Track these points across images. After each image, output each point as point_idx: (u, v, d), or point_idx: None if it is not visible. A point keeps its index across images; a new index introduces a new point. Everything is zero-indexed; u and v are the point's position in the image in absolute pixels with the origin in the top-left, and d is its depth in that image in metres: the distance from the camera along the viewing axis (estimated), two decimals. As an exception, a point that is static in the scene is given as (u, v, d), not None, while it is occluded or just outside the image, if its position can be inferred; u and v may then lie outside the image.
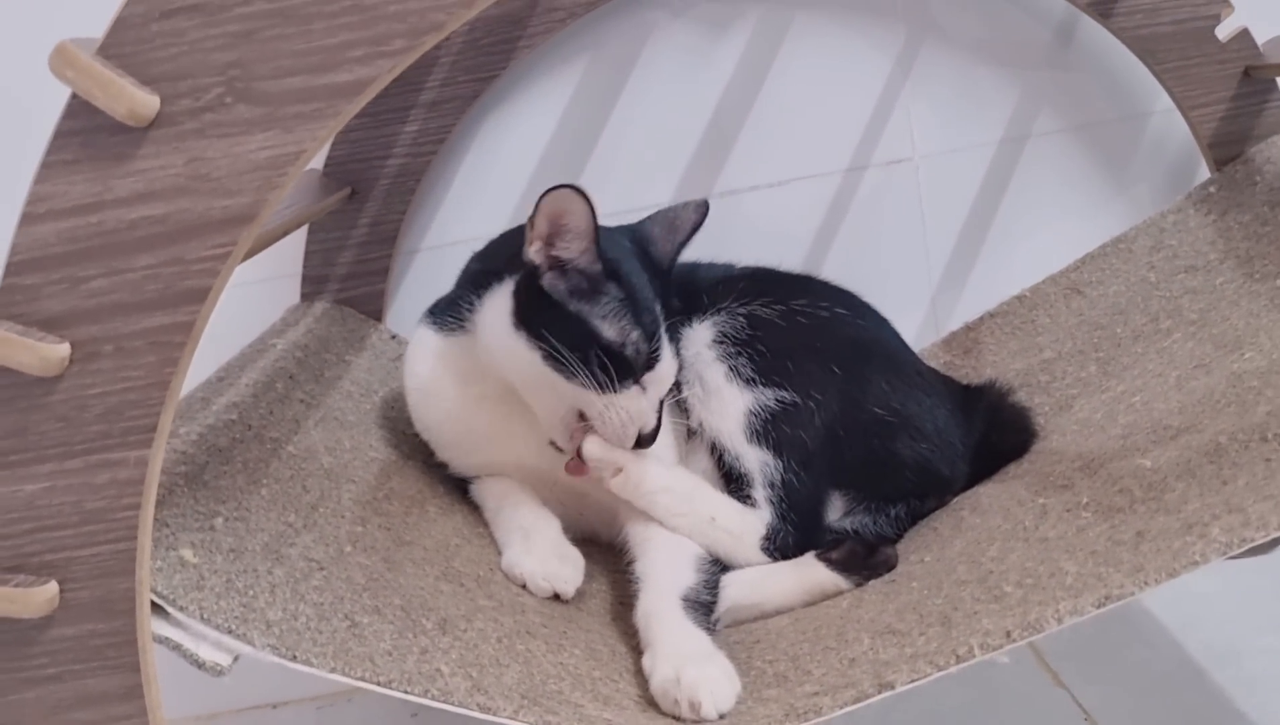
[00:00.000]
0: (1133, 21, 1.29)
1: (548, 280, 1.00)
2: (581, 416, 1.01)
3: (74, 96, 0.64)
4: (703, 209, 1.12)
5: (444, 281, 1.17)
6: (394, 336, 1.37)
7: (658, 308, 1.03)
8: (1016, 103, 1.41)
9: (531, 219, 0.98)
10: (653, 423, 1.01)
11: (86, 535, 0.70)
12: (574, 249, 0.99)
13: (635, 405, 0.99)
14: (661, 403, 1.03)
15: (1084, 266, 1.33)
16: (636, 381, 1.00)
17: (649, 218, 1.12)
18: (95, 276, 0.67)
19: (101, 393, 0.68)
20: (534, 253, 1.00)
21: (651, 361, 1.00)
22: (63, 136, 0.65)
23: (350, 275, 1.37)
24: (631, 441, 1.00)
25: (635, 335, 0.99)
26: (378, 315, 1.38)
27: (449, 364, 1.09)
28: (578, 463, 1.02)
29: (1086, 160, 1.43)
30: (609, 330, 0.99)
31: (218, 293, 0.68)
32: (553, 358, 0.98)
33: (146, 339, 0.67)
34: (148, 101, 0.64)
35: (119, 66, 0.64)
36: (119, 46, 0.64)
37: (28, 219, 0.66)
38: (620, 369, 0.98)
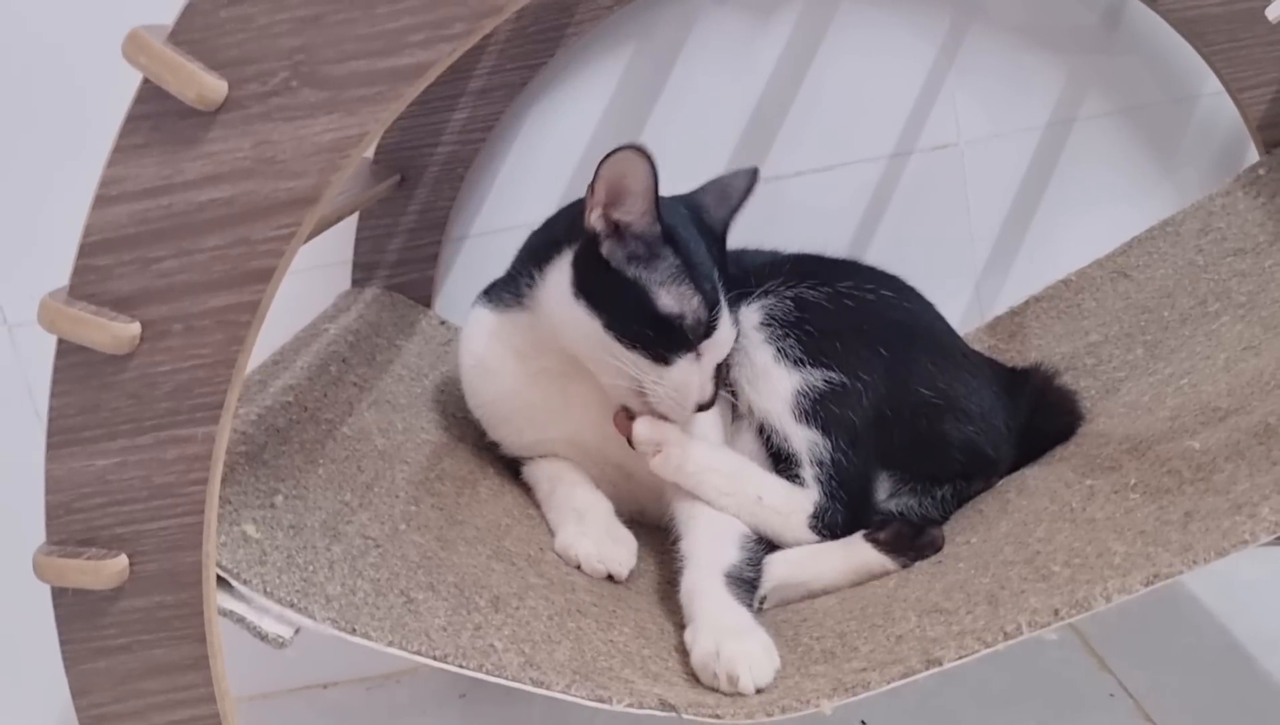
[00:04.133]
0: (1181, 3, 1.28)
1: (607, 247, 1.00)
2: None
3: (145, 82, 0.66)
4: (752, 176, 1.12)
5: (492, 268, 1.18)
6: (443, 322, 1.39)
7: (716, 274, 1.02)
8: (1062, 86, 1.40)
9: (592, 185, 0.99)
10: (709, 393, 1.02)
11: (155, 509, 0.71)
12: (634, 212, 0.98)
13: (689, 377, 1.00)
14: (718, 368, 1.03)
15: (1131, 250, 1.32)
16: (692, 351, 1.00)
17: (700, 187, 1.12)
18: (165, 257, 0.68)
19: (171, 370, 0.70)
20: (594, 219, 1.00)
21: (710, 329, 1.00)
22: (134, 120, 0.66)
23: (400, 262, 1.38)
24: (690, 411, 1.01)
25: (695, 302, 0.99)
26: (427, 301, 1.40)
27: (505, 340, 1.11)
28: (624, 419, 1.03)
29: (1133, 144, 1.42)
30: (667, 299, 0.99)
31: (282, 272, 0.69)
32: (613, 326, 0.99)
33: (214, 318, 0.69)
34: (216, 86, 0.65)
35: (188, 52, 0.65)
36: (189, 33, 0.65)
37: (101, 201, 0.67)
38: (676, 340, 0.99)
